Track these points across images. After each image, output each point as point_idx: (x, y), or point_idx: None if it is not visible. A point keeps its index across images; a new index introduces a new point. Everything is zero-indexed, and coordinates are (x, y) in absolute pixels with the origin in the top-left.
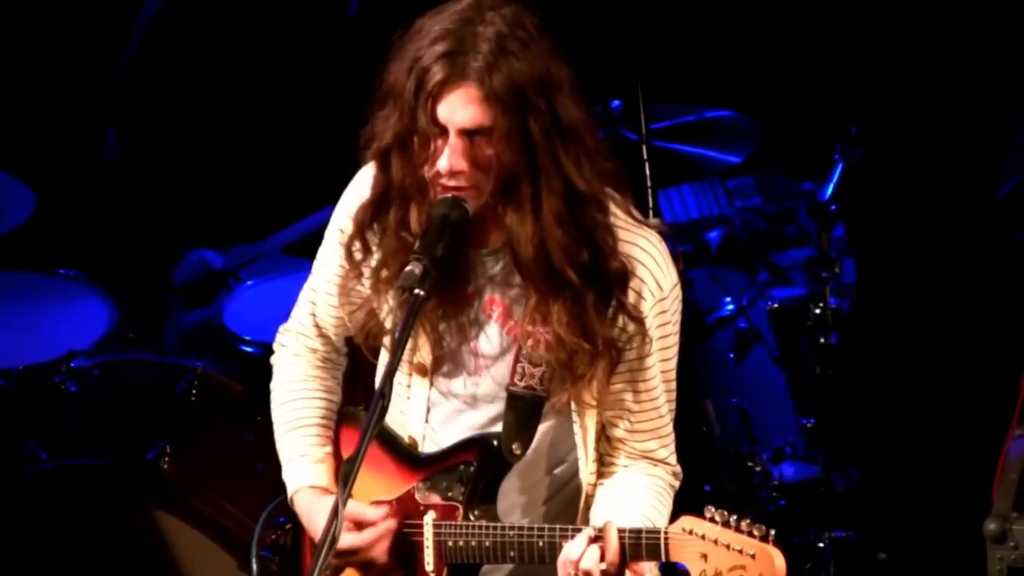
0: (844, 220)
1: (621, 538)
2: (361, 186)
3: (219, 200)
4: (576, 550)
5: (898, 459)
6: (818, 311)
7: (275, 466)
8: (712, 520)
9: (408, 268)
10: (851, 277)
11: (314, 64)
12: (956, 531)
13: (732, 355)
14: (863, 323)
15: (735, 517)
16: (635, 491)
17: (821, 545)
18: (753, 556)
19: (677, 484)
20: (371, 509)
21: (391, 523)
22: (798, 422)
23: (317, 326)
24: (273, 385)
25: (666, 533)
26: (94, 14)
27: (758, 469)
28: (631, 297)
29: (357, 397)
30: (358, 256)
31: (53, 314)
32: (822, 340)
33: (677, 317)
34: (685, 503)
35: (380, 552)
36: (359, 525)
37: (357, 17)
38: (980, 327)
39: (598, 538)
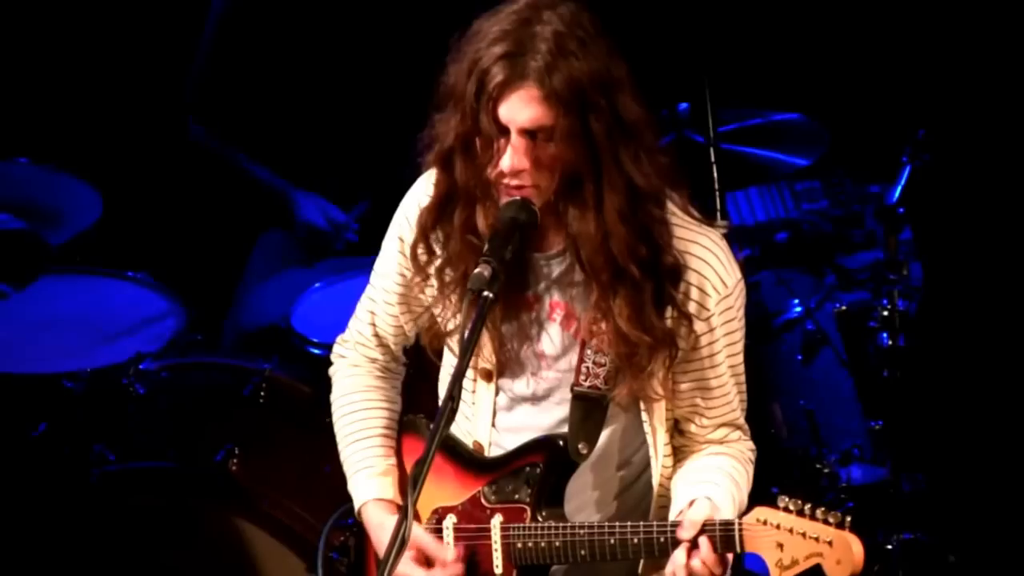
0: (911, 223)
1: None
2: (420, 194)
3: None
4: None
5: (966, 461)
6: (885, 314)
7: (342, 469)
8: (786, 509)
9: (477, 271)
10: (918, 280)
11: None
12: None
13: (799, 358)
14: (930, 326)
15: (809, 505)
16: (702, 469)
17: (889, 547)
18: (830, 543)
19: (753, 457)
20: (443, 547)
21: (460, 568)
22: (865, 425)
23: (377, 336)
24: (333, 397)
25: (740, 524)
26: (163, 17)
27: (826, 472)
28: (695, 294)
29: (421, 404)
30: (423, 259)
31: (121, 317)
32: (889, 343)
33: (742, 312)
34: (753, 506)
35: None
36: (428, 559)
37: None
38: None
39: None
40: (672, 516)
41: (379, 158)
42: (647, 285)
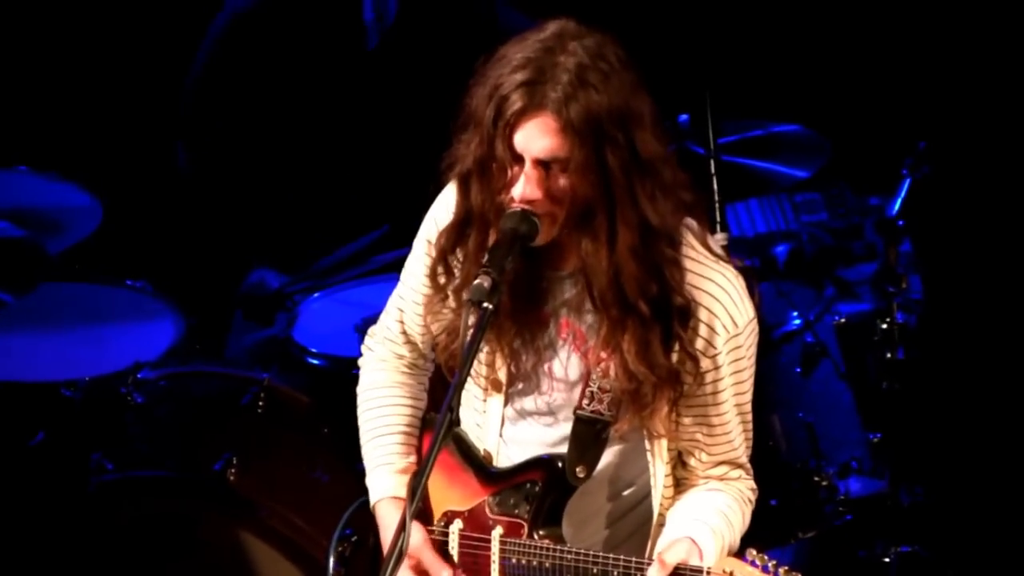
0: (911, 236)
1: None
2: (447, 201)
3: (286, 214)
4: None
5: (965, 474)
6: (885, 326)
7: (340, 478)
8: (752, 563)
9: (477, 282)
10: (918, 292)
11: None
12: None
13: (799, 370)
14: (930, 338)
15: (774, 562)
16: (697, 506)
17: (887, 560)
18: None
19: (753, 497)
20: (441, 567)
21: None
22: (864, 437)
23: (404, 333)
24: (359, 389)
25: (708, 572)
26: (162, 27)
27: (824, 484)
28: (703, 331)
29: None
30: (442, 280)
31: (120, 325)
32: (889, 355)
33: (752, 352)
34: (752, 517)
35: None
36: (426, 573)
37: (378, 50)
38: None
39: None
40: (656, 550)
41: (399, 182)
42: (655, 323)
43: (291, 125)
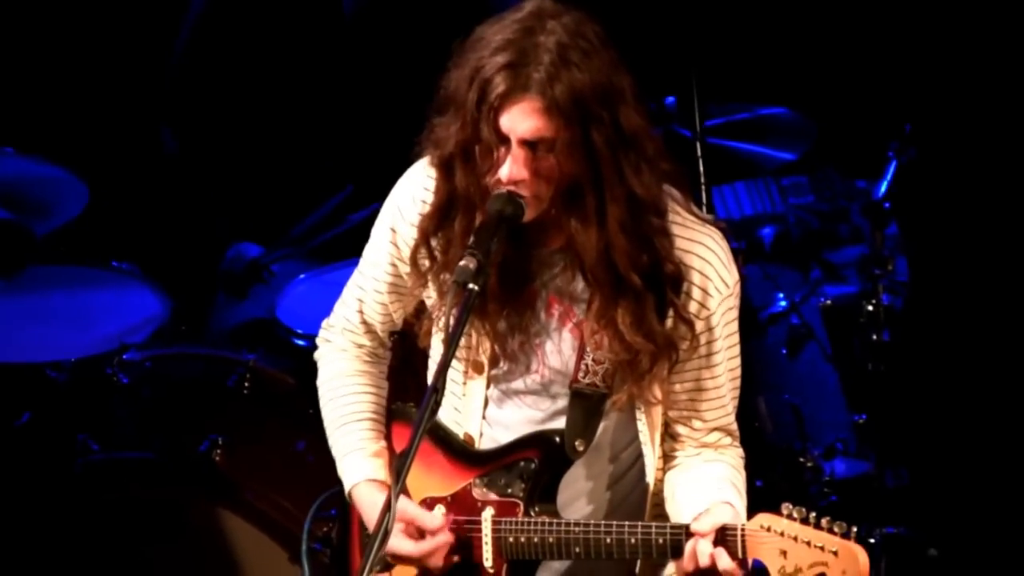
0: (897, 218)
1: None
2: (411, 187)
3: (261, 193)
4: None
5: (949, 456)
6: (870, 308)
7: (326, 459)
8: (790, 517)
9: (463, 263)
10: (904, 275)
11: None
12: (1007, 528)
13: (785, 352)
14: (915, 321)
15: (814, 514)
16: (709, 478)
17: (872, 541)
18: (835, 553)
19: (744, 463)
20: (431, 516)
21: (450, 536)
22: (850, 419)
23: (364, 322)
24: (320, 381)
25: (743, 529)
26: (146, 9)
27: (809, 465)
28: (696, 295)
29: (409, 392)
30: (424, 265)
31: (106, 307)
32: (874, 337)
33: (738, 313)
34: (755, 512)
35: (437, 561)
36: (419, 530)
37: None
38: None
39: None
40: (687, 519)
41: (363, 144)
42: (649, 293)
43: (270, 95)
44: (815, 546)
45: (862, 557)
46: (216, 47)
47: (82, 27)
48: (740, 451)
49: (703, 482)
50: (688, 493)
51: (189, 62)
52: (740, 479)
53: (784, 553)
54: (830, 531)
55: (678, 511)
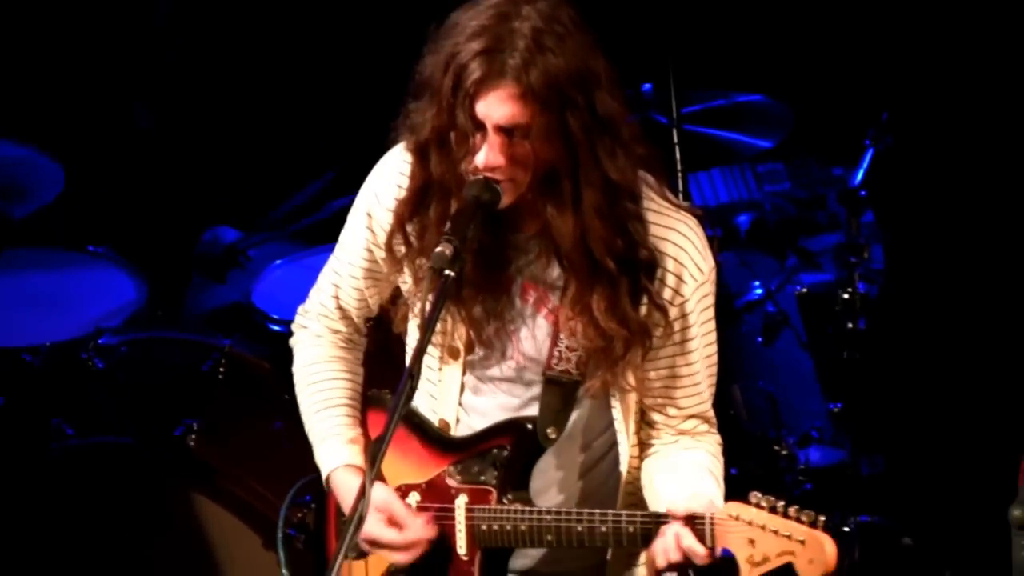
0: (873, 206)
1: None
2: (390, 171)
3: (240, 176)
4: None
5: (924, 444)
6: (846, 296)
7: (301, 445)
8: (758, 506)
9: (439, 249)
10: (879, 263)
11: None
12: (981, 517)
13: (760, 339)
14: (891, 309)
15: (782, 503)
16: (687, 466)
17: (847, 529)
18: (803, 542)
19: (721, 450)
20: (411, 517)
21: (430, 531)
22: (825, 407)
23: (340, 308)
24: (296, 367)
25: (712, 518)
26: None
27: (784, 453)
28: (671, 281)
29: (385, 379)
30: (399, 251)
31: (81, 291)
32: (850, 325)
33: (713, 299)
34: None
35: (413, 555)
36: (398, 524)
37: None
38: (1008, 314)
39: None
40: (665, 507)
41: (345, 129)
42: (623, 279)
43: (252, 76)
44: (782, 535)
45: (828, 546)
46: (197, 27)
47: (56, 10)
48: (717, 438)
49: (681, 470)
50: (666, 481)
51: (170, 41)
52: (718, 466)
53: (752, 542)
54: (798, 520)
55: (656, 499)
